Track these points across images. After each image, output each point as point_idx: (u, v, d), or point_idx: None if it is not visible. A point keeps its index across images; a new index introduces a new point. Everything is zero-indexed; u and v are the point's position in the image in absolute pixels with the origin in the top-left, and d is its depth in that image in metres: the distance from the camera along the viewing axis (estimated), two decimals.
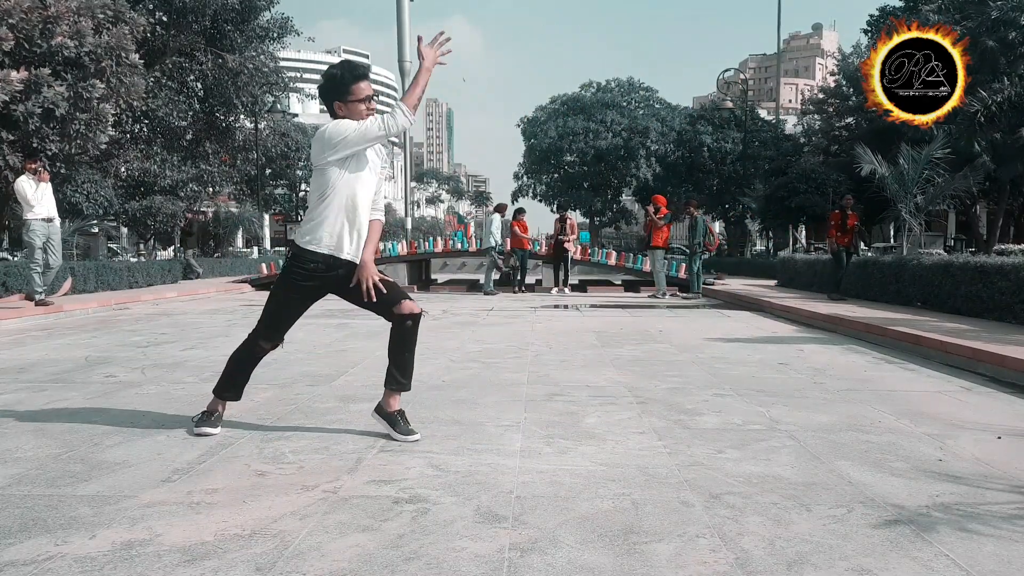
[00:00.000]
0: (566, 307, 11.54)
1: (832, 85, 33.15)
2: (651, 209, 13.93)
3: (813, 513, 2.45)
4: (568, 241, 14.87)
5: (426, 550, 2.13)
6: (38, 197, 9.19)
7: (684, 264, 15.01)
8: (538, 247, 16.26)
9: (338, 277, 3.25)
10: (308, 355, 5.90)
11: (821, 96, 34.16)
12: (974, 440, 3.42)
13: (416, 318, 3.30)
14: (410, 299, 3.32)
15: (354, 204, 3.22)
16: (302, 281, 3.25)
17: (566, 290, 14.86)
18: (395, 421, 3.36)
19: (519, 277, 15.22)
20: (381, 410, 3.40)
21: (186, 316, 9.52)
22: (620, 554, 2.11)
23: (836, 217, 11.66)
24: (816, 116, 34.33)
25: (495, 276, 14.97)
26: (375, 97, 3.27)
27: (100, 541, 2.19)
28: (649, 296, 13.81)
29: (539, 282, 16.42)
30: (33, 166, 9.27)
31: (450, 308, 10.79)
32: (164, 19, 16.75)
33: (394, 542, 2.19)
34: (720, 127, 36.04)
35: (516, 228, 15.01)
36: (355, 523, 2.34)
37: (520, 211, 15.42)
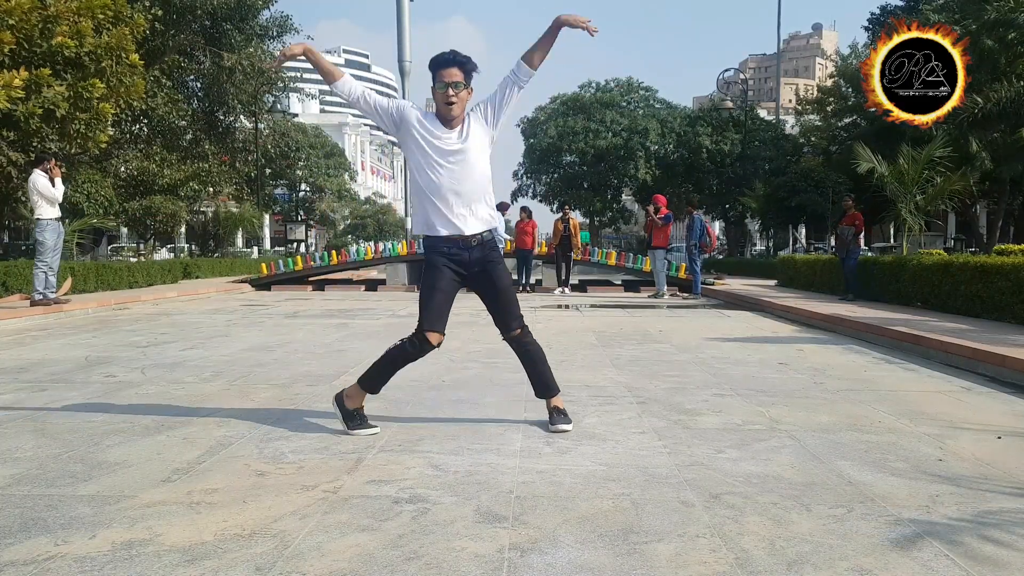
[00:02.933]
0: (566, 307, 11.54)
1: (830, 84, 33.14)
2: (651, 209, 13.93)
3: (813, 513, 2.45)
4: (574, 239, 14.96)
5: (426, 550, 2.13)
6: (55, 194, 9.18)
7: (684, 264, 15.03)
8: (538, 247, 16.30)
9: (464, 260, 3.33)
10: (308, 355, 5.89)
11: (818, 95, 34.13)
12: (974, 440, 3.42)
13: (519, 335, 3.53)
14: (522, 325, 3.53)
15: (436, 185, 3.26)
16: (443, 263, 3.33)
17: (566, 290, 14.87)
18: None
19: (524, 278, 15.25)
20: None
21: (186, 316, 9.52)
22: (620, 554, 2.11)
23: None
24: (815, 116, 34.31)
25: None
26: (459, 85, 3.22)
27: (100, 541, 2.19)
28: (649, 296, 13.81)
29: (539, 282, 16.42)
30: (48, 165, 9.23)
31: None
32: (159, 14, 16.76)
33: (394, 542, 2.19)
34: (720, 127, 36.01)
35: (522, 228, 15.06)
36: (355, 523, 2.34)
37: (525, 210, 15.50)
